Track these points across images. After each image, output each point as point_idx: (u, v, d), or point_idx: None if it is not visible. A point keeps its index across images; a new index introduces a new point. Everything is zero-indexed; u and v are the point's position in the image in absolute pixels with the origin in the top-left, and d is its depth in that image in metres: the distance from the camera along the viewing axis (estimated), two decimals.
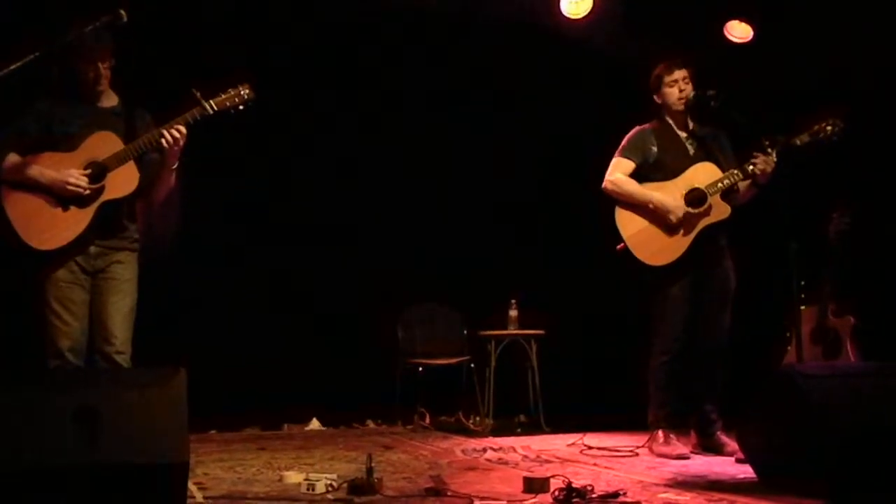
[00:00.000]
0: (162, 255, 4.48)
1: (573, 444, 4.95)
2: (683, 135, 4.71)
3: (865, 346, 5.17)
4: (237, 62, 4.37)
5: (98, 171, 3.64)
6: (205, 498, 3.43)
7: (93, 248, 3.70)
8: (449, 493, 3.46)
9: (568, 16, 6.05)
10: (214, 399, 5.01)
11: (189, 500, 3.23)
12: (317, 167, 6.66)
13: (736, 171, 4.53)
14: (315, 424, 5.98)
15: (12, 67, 3.24)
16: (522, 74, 6.84)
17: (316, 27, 6.45)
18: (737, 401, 3.95)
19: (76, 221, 3.62)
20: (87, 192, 3.61)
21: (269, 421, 5.92)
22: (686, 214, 4.51)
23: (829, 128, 4.54)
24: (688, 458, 4.43)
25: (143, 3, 3.60)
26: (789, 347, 5.12)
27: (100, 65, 3.70)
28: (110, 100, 3.83)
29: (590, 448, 4.76)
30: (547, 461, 4.41)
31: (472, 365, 6.23)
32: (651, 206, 4.55)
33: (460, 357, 6.32)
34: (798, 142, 4.52)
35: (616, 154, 4.71)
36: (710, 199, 4.52)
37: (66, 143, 3.67)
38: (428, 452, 4.79)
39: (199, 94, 3.72)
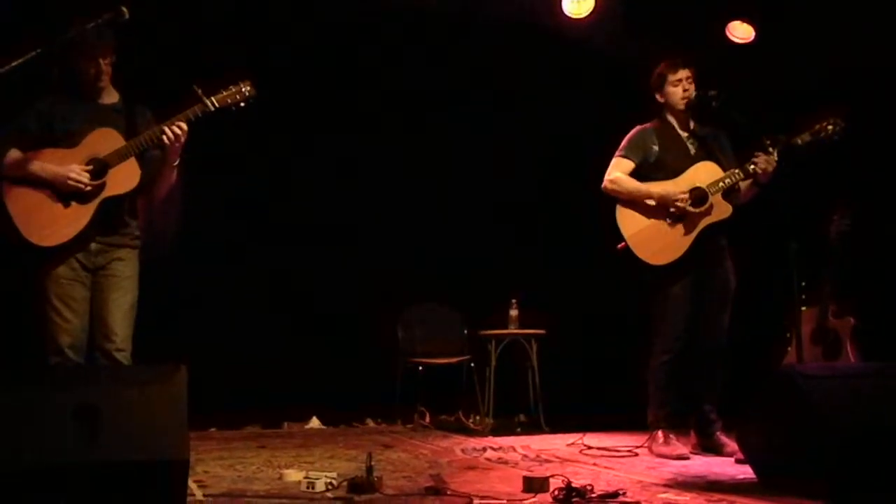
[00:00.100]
0: (163, 252, 4.47)
1: (573, 443, 4.95)
2: (685, 134, 4.71)
3: (865, 346, 5.17)
4: (237, 61, 4.37)
5: (99, 168, 3.64)
6: (205, 496, 3.43)
7: (94, 245, 3.70)
8: (449, 492, 3.46)
9: (569, 15, 6.05)
10: (215, 397, 5.01)
11: (189, 498, 3.22)
12: (317, 167, 6.66)
13: (737, 171, 4.53)
14: (315, 423, 5.99)
15: (14, 64, 3.24)
16: (522, 74, 6.84)
17: (316, 27, 6.45)
18: (737, 401, 3.95)
19: (77, 218, 3.62)
20: (89, 187, 3.61)
21: (270, 419, 5.93)
22: (687, 213, 4.51)
23: (829, 127, 4.54)
24: (687, 458, 4.43)
25: (145, 0, 3.59)
26: (789, 348, 5.12)
27: (101, 61, 3.70)
28: (111, 97, 3.83)
29: (589, 448, 4.76)
30: (547, 461, 4.41)
31: (473, 364, 6.23)
32: (652, 200, 4.54)
33: (460, 356, 6.32)
34: (799, 141, 4.52)
35: (616, 153, 4.70)
36: (711, 199, 4.52)
37: (67, 139, 3.67)
38: (428, 451, 4.79)
39: (200, 91, 3.72)
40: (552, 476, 3.58)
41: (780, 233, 4.14)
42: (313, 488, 3.50)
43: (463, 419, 6.05)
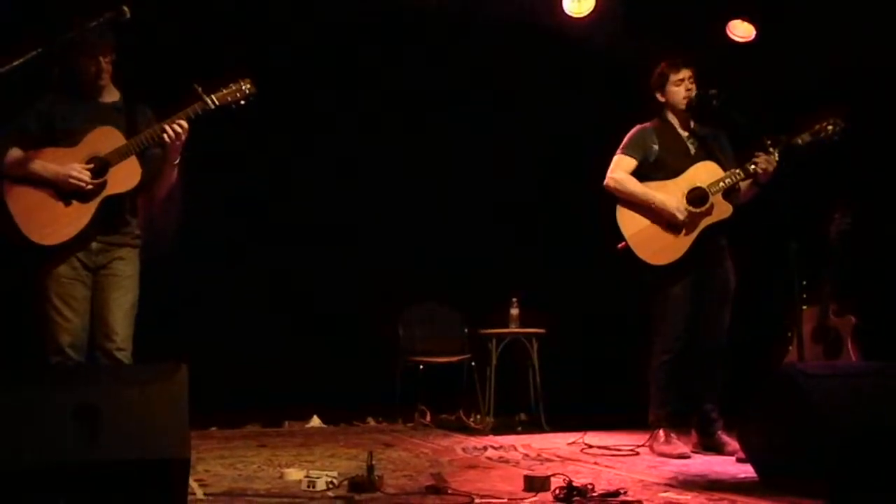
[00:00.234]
0: (163, 251, 4.47)
1: (574, 442, 4.95)
2: (685, 134, 4.71)
3: (866, 345, 5.17)
4: (238, 59, 4.37)
5: (100, 167, 3.64)
6: (206, 494, 3.43)
7: (94, 244, 3.70)
8: (449, 491, 3.46)
9: (570, 14, 6.05)
10: (215, 396, 5.00)
11: (190, 497, 3.23)
12: (317, 167, 6.66)
13: (738, 171, 4.53)
14: (316, 422, 5.99)
15: (15, 64, 3.24)
16: (522, 74, 6.84)
17: (316, 27, 6.45)
18: (737, 400, 3.95)
19: (78, 217, 3.62)
20: (89, 186, 3.61)
21: (270, 418, 5.93)
22: (688, 214, 4.51)
23: (829, 127, 4.55)
24: (688, 457, 4.43)
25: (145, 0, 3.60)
26: (790, 347, 5.11)
27: (101, 59, 3.70)
28: (112, 95, 3.83)
29: (590, 447, 4.76)
30: (548, 460, 4.41)
31: (473, 363, 6.23)
32: (654, 206, 4.54)
33: (461, 355, 6.32)
34: (799, 141, 4.53)
35: (617, 152, 4.70)
36: (711, 199, 4.52)
37: (67, 138, 3.66)
38: (429, 450, 4.79)
39: (200, 90, 3.72)
40: (553, 475, 3.58)
41: (781, 232, 4.14)
42: (314, 487, 3.50)
43: (464, 418, 6.06)
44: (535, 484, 3.50)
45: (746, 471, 3.81)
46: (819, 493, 3.19)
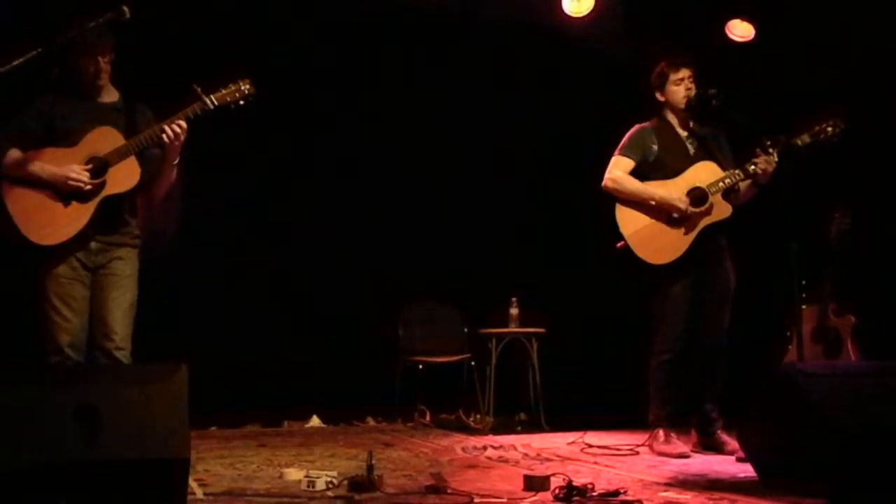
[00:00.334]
0: (162, 251, 4.47)
1: (574, 442, 4.95)
2: (684, 134, 4.71)
3: (866, 345, 5.17)
4: (237, 60, 4.37)
5: (99, 167, 3.64)
6: (205, 494, 3.43)
7: (93, 244, 3.70)
8: (449, 491, 3.46)
9: (570, 14, 6.05)
10: (215, 396, 5.01)
11: (189, 497, 3.23)
12: (317, 167, 6.66)
13: (737, 171, 4.53)
14: (315, 422, 5.99)
15: (14, 64, 3.24)
16: (522, 74, 6.84)
17: (316, 27, 6.45)
18: (737, 400, 3.95)
19: (77, 217, 3.62)
20: (88, 187, 3.61)
21: (270, 418, 5.93)
22: (689, 206, 4.51)
23: (829, 128, 4.55)
24: (688, 456, 4.43)
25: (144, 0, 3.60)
26: (790, 347, 5.11)
27: (100, 59, 3.70)
28: (111, 95, 3.83)
29: (590, 446, 4.76)
30: (547, 459, 4.41)
31: (473, 363, 6.22)
32: (653, 203, 4.54)
33: (461, 355, 6.32)
34: (799, 142, 4.53)
35: (616, 152, 4.70)
36: (711, 199, 4.52)
37: (67, 138, 3.67)
38: (428, 450, 4.79)
39: (199, 90, 3.72)
40: (553, 475, 3.58)
41: (781, 232, 4.13)
42: (314, 487, 3.50)
43: (463, 418, 6.06)
44: (534, 483, 3.49)
45: (746, 470, 3.81)
46: (819, 493, 3.19)
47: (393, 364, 6.28)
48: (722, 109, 4.53)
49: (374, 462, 3.53)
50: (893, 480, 3.18)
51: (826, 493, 3.17)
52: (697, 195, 4.54)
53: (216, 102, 3.73)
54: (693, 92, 4.61)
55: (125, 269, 3.75)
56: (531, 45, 6.58)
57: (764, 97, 5.41)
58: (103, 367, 3.60)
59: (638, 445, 4.67)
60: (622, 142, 4.72)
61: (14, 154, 3.63)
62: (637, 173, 4.64)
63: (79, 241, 3.64)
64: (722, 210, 4.54)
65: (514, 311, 6.11)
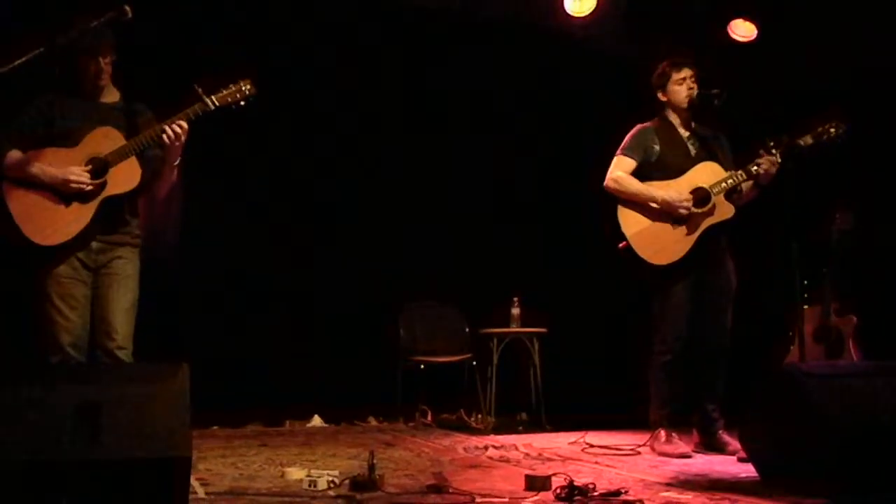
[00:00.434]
0: (163, 250, 4.48)
1: (575, 442, 4.94)
2: (686, 134, 4.71)
3: (867, 345, 5.17)
4: (237, 59, 4.37)
5: (100, 167, 3.63)
6: (207, 493, 3.43)
7: (94, 244, 3.69)
8: (450, 491, 3.46)
9: (571, 14, 6.05)
10: (217, 395, 5.00)
11: (191, 496, 3.22)
12: (317, 167, 6.66)
13: (740, 172, 4.53)
14: (317, 421, 5.99)
15: (15, 64, 3.24)
16: (522, 74, 6.84)
17: (316, 27, 6.45)
18: (739, 400, 3.95)
19: (78, 217, 3.61)
20: (90, 187, 3.61)
21: (272, 417, 5.93)
22: (691, 206, 4.51)
23: (832, 130, 4.54)
24: (690, 456, 4.43)
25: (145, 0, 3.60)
26: (792, 347, 5.12)
27: (101, 60, 3.70)
28: (112, 95, 3.83)
29: (591, 446, 4.76)
30: (549, 459, 4.41)
31: (474, 363, 6.22)
32: (655, 204, 4.54)
33: (462, 355, 6.31)
34: (802, 143, 4.52)
35: (617, 152, 4.70)
36: (713, 199, 4.52)
37: (67, 138, 3.66)
38: (430, 450, 4.79)
39: (200, 90, 3.72)
40: (554, 474, 3.58)
41: (783, 232, 4.14)
42: (315, 486, 3.50)
43: (465, 417, 6.06)
44: (536, 483, 3.49)
45: (747, 470, 3.81)
46: (819, 493, 3.19)
47: (394, 364, 6.27)
48: (723, 109, 4.53)
49: (375, 462, 3.53)
50: (893, 480, 3.18)
51: (826, 493, 3.17)
52: (700, 196, 4.53)
53: (217, 103, 3.73)
54: (695, 92, 4.61)
55: (126, 268, 3.74)
56: (532, 45, 6.58)
57: (765, 97, 5.41)
58: (105, 367, 3.60)
59: (639, 445, 4.67)
60: (624, 142, 4.72)
61: (15, 155, 3.63)
62: (638, 173, 4.64)
63: (80, 241, 3.64)
64: (724, 211, 4.54)
65: (515, 310, 6.11)
